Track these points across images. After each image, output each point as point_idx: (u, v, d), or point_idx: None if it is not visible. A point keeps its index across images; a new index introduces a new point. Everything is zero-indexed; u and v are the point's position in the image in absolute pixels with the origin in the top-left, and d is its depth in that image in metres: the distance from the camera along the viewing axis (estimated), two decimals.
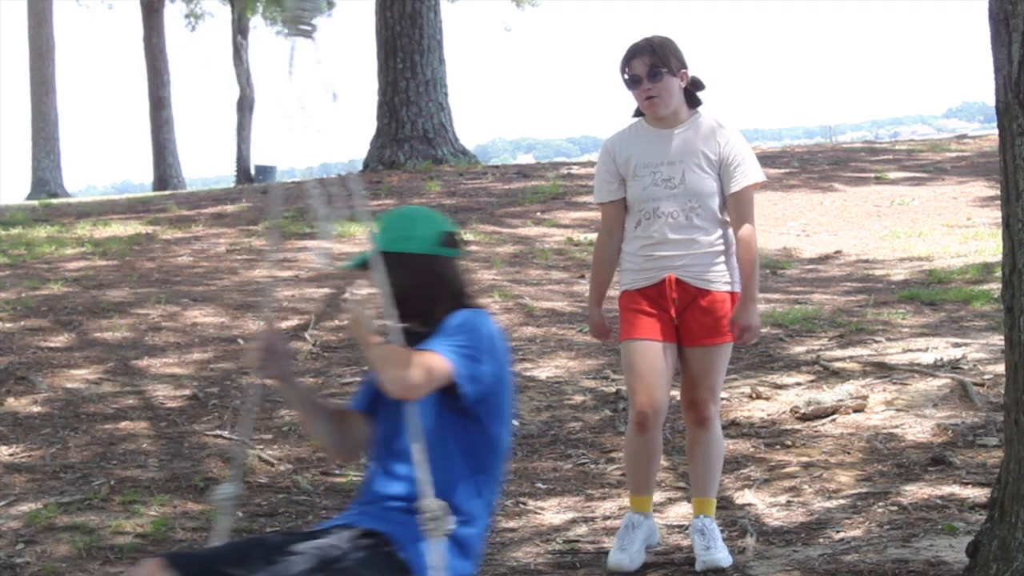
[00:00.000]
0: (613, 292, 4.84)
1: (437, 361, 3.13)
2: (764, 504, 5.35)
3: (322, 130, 3.24)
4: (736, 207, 4.62)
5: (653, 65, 4.59)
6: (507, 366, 3.29)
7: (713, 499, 4.77)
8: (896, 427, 6.07)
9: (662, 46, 4.62)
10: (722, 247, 4.64)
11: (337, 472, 5.90)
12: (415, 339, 3.19)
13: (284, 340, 3.39)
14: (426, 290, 3.29)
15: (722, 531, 5.02)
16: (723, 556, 4.63)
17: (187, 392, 7.03)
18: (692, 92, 4.71)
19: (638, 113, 4.75)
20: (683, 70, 4.65)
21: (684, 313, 4.62)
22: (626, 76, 4.65)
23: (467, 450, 3.22)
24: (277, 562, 3.08)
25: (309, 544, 3.13)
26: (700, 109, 4.72)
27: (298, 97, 3.28)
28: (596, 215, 14.92)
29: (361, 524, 3.19)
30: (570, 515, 5.37)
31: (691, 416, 4.73)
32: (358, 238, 12.02)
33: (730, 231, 4.65)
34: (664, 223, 4.61)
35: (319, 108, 3.26)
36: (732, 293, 4.64)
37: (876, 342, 7.59)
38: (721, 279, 4.63)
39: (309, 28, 3.21)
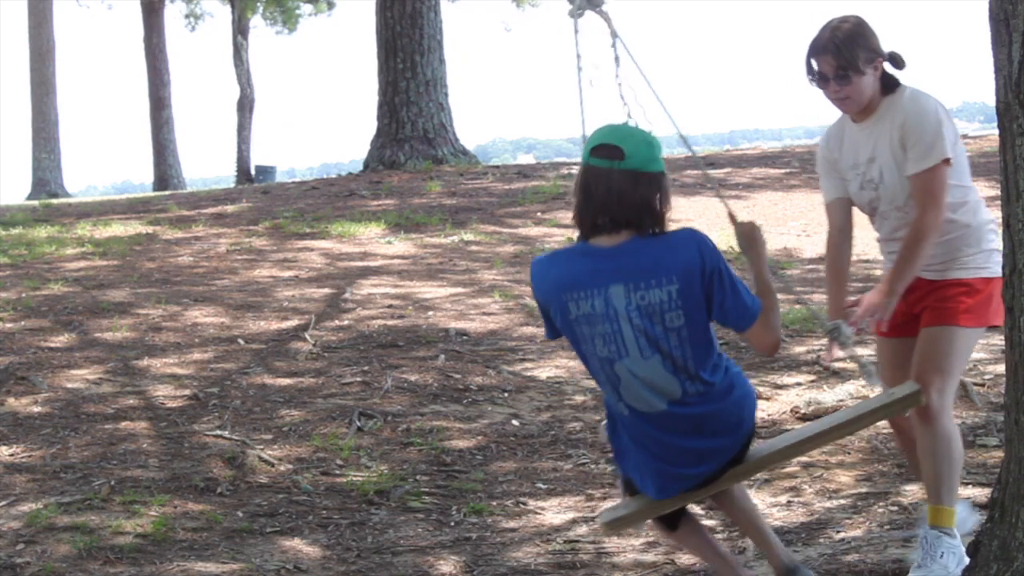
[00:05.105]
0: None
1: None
2: (764, 504, 5.34)
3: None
4: (912, 192, 4.20)
5: (839, 67, 4.16)
6: None
7: (945, 507, 4.17)
8: None
9: (848, 43, 4.15)
10: (948, 233, 4.22)
11: (337, 472, 5.90)
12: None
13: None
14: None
15: (722, 531, 5.02)
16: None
17: (187, 392, 7.03)
18: (889, 75, 4.26)
19: None
20: (877, 59, 4.19)
21: (918, 304, 4.31)
22: (812, 75, 4.23)
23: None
24: None
25: None
26: (896, 89, 4.27)
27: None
28: None
29: None
30: (570, 515, 5.37)
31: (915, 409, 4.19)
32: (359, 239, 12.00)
33: (951, 212, 4.21)
34: (885, 220, 4.35)
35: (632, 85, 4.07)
36: (972, 280, 4.23)
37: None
38: (961, 267, 4.26)
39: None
